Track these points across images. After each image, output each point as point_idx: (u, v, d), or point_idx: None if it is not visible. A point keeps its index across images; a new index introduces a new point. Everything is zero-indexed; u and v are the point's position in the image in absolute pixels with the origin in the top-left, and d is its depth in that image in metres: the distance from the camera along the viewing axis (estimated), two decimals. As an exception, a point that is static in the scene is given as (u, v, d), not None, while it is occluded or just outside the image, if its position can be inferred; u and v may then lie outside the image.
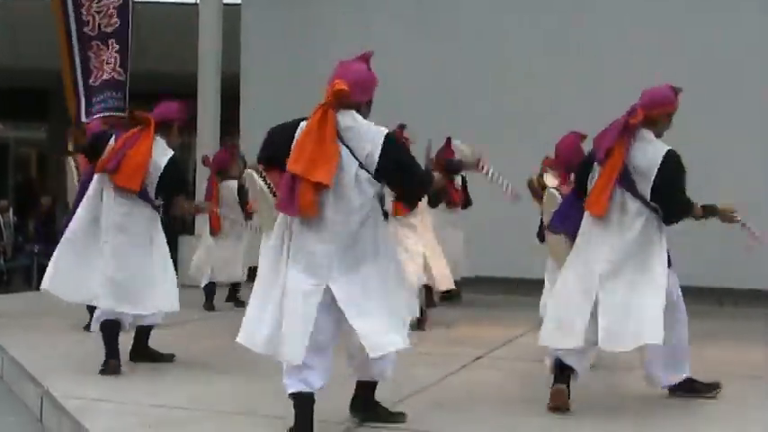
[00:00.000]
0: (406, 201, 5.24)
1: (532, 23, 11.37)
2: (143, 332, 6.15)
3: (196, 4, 12.62)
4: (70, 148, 8.37)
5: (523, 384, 5.77)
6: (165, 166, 5.79)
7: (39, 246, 14.06)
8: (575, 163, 5.58)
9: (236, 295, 9.59)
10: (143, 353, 6.15)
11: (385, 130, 4.17)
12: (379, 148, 4.09)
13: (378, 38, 11.15)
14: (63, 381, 5.36)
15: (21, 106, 17.60)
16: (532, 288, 10.18)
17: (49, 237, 14.51)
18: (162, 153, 5.82)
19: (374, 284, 4.16)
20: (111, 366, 5.62)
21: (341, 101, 4.12)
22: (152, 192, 5.81)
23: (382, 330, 4.13)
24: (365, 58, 4.32)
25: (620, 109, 4.98)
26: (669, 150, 4.86)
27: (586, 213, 4.97)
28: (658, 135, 4.99)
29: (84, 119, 11.68)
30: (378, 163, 4.09)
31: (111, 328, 5.73)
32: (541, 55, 11.15)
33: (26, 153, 21.00)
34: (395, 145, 4.18)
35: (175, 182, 5.93)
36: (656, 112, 4.94)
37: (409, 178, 4.25)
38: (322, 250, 4.10)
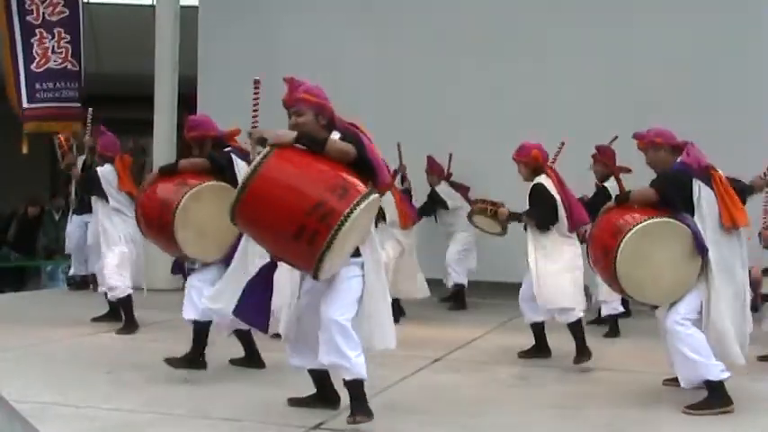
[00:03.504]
0: None
1: (491, 25, 11.29)
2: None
3: (153, 5, 12.54)
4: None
5: (479, 386, 5.82)
6: None
7: None
8: None
9: None
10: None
11: None
12: None
13: (333, 42, 11.19)
14: (17, 384, 5.29)
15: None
16: (487, 290, 10.29)
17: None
18: None
19: None
20: None
21: None
22: None
23: None
24: None
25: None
26: None
27: None
28: None
29: (25, 104, 11.61)
30: None
31: None
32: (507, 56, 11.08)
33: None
34: None
35: None
36: None
37: None
38: None
